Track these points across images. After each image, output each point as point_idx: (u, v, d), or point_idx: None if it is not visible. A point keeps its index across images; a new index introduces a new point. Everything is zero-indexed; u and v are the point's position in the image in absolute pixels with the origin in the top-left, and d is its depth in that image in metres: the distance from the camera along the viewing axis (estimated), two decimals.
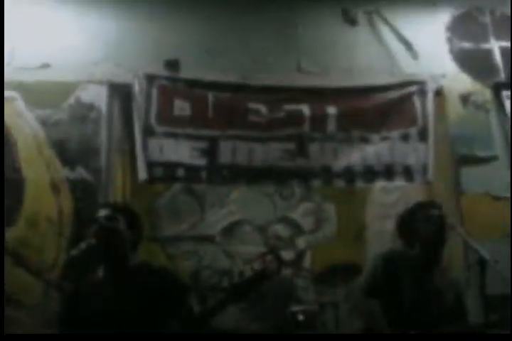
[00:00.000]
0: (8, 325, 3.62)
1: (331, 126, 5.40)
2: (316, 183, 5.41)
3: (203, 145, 5.22)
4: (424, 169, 5.43)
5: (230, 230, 5.53)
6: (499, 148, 5.65)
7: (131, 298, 3.06)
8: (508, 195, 5.57)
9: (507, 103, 5.66)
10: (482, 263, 3.43)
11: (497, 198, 5.55)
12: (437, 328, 3.39)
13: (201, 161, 5.20)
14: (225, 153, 5.25)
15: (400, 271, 3.55)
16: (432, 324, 3.42)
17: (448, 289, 3.63)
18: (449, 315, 3.54)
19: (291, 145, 5.34)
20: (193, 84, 5.28)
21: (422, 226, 3.60)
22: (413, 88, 5.60)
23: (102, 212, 3.20)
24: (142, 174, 5.04)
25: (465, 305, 3.75)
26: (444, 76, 5.66)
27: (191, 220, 5.49)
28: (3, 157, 3.27)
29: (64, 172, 4.94)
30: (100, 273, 3.20)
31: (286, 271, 5.70)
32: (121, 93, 5.21)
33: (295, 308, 5.45)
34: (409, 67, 5.70)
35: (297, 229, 5.68)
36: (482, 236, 5.18)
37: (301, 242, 5.70)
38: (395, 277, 3.53)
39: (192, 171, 5.19)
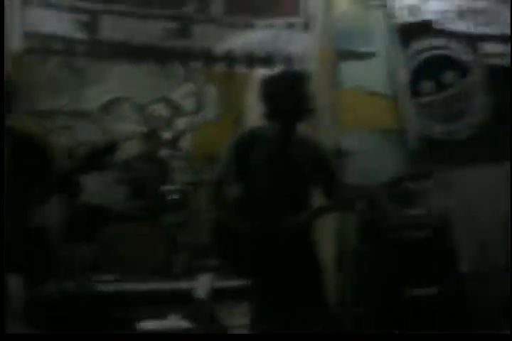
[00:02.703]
0: None
1: (217, 9, 5.33)
2: (197, 65, 5.40)
3: (83, 17, 5.05)
4: (305, 59, 5.49)
5: (109, 107, 5.50)
6: (379, 45, 5.78)
7: None
8: (383, 91, 5.81)
9: (392, 1, 5.74)
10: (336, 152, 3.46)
11: (372, 93, 5.76)
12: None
13: (81, 35, 5.05)
14: (106, 28, 5.11)
15: (256, 152, 3.30)
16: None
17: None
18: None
19: (173, 25, 5.25)
20: None
21: (283, 95, 3.30)
22: None
23: None
24: (18, 45, 4.86)
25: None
26: None
27: (69, 95, 5.42)
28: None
29: None
30: None
31: (164, 152, 5.80)
32: None
33: (167, 187, 5.60)
34: None
35: (177, 110, 5.72)
36: (351, 128, 5.48)
37: (180, 123, 5.75)
38: (251, 160, 3.31)
39: (71, 44, 5.04)
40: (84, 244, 4.85)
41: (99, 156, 3.12)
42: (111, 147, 3.15)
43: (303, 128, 3.48)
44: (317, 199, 3.50)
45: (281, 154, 3.34)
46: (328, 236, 4.93)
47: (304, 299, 3.29)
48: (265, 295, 3.30)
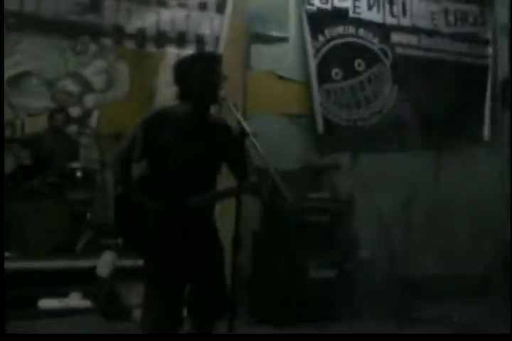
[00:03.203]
0: None
1: None
2: (107, 42, 5.33)
3: None
4: (217, 41, 5.51)
5: (16, 81, 5.37)
6: (293, 30, 5.85)
7: None
8: (295, 77, 5.88)
9: None
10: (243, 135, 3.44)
11: (282, 78, 5.83)
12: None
13: None
14: (12, 0, 4.98)
15: (164, 132, 3.28)
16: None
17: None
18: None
19: (84, 0, 5.17)
20: None
21: (196, 77, 3.25)
22: None
23: None
24: None
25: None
26: None
27: None
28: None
29: None
30: None
31: (72, 129, 5.71)
32: None
33: (74, 165, 5.53)
34: None
35: (87, 86, 5.62)
36: (260, 112, 5.54)
37: (89, 100, 5.66)
38: (159, 139, 3.26)
39: None
40: None
41: None
42: None
43: (213, 110, 3.49)
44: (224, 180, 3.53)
45: (191, 134, 3.35)
46: (228, 217, 4.97)
47: (203, 279, 3.31)
48: (162, 273, 3.30)
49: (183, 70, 3.37)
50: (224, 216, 4.51)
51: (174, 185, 3.30)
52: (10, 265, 4.52)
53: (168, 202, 3.27)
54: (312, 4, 5.89)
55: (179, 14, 5.42)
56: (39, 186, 5.35)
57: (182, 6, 5.42)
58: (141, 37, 5.33)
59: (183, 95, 3.36)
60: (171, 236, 3.28)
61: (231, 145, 3.37)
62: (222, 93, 3.33)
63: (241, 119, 3.18)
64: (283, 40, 5.80)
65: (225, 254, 3.39)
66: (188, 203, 3.28)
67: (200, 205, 3.34)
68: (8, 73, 5.30)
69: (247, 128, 3.18)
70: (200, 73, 3.29)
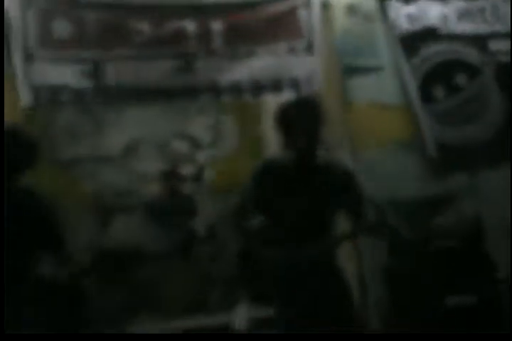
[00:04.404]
0: None
1: (217, 42, 5.38)
2: (206, 99, 5.45)
3: (87, 67, 5.14)
4: (311, 81, 5.51)
5: (129, 149, 5.57)
6: (384, 57, 5.77)
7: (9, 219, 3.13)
8: (395, 102, 5.78)
9: (391, 12, 5.73)
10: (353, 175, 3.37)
11: (384, 106, 5.74)
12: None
13: (87, 84, 5.15)
14: (111, 75, 5.19)
15: (276, 181, 3.36)
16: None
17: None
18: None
19: (177, 63, 5.32)
20: (72, 4, 5.15)
21: (298, 123, 3.32)
22: (299, 0, 5.58)
23: None
24: (26, 100, 4.98)
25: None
26: None
27: (89, 141, 5.51)
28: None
29: None
30: None
31: (187, 187, 5.85)
32: None
33: (195, 222, 5.65)
34: None
35: (195, 143, 5.76)
36: (368, 144, 5.47)
37: (199, 157, 5.79)
38: (270, 190, 3.36)
39: (78, 94, 5.14)
40: (117, 287, 4.90)
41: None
42: None
43: (323, 153, 3.48)
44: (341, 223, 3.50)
45: (301, 181, 3.37)
46: (352, 254, 4.91)
47: (332, 321, 3.28)
48: (294, 323, 3.30)
49: (282, 119, 3.44)
50: (348, 255, 4.47)
51: (293, 233, 3.31)
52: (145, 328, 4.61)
53: (290, 251, 3.28)
54: (401, 27, 5.79)
55: (270, 61, 5.47)
56: (164, 248, 5.49)
57: (271, 53, 5.46)
58: (236, 89, 5.41)
59: (287, 143, 3.39)
60: (296, 284, 3.28)
61: (343, 186, 3.36)
62: (325, 135, 3.32)
63: (348, 158, 3.19)
64: (378, 68, 5.72)
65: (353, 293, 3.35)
66: (308, 251, 3.28)
67: (321, 253, 3.33)
68: (120, 143, 5.52)
69: (356, 167, 3.18)
70: (300, 120, 3.34)
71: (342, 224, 3.62)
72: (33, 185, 3.55)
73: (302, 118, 3.36)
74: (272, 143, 5.49)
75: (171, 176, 5.69)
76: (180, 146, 5.77)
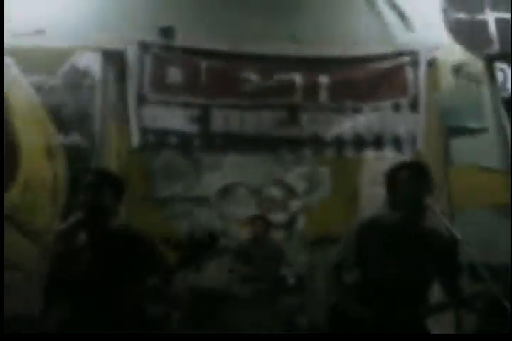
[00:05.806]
0: (7, 290, 3.71)
1: (323, 96, 5.45)
2: (307, 152, 5.49)
3: (195, 112, 5.28)
4: (414, 139, 5.49)
5: (225, 192, 5.64)
6: (489, 120, 5.69)
7: (106, 262, 3.18)
8: (497, 166, 5.66)
9: (499, 75, 5.67)
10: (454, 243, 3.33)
11: (486, 169, 5.63)
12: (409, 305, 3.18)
13: (193, 128, 5.28)
14: (217, 121, 5.32)
15: (377, 240, 3.28)
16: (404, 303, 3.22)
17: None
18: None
19: (282, 114, 5.40)
20: (187, 52, 5.32)
21: (403, 186, 3.25)
22: (406, 58, 5.62)
23: (86, 180, 3.23)
24: (135, 140, 5.13)
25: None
26: (437, 47, 5.66)
27: (186, 182, 5.60)
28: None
29: (59, 138, 5.00)
30: (82, 237, 3.26)
31: (279, 234, 5.85)
32: (115, 60, 5.25)
33: (285, 271, 5.61)
34: (403, 37, 5.70)
35: (290, 192, 5.78)
36: (466, 207, 5.36)
37: (293, 205, 5.80)
38: (370, 248, 3.29)
39: (184, 138, 5.27)
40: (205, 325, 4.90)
41: (199, 248, 3.20)
42: (209, 239, 3.23)
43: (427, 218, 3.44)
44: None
45: (402, 243, 3.33)
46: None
47: None
48: None
49: (392, 178, 3.39)
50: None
51: (387, 294, 3.26)
52: None
53: (383, 311, 3.23)
54: (507, 90, 5.72)
55: (374, 117, 5.49)
56: (250, 293, 5.47)
57: (376, 109, 5.49)
58: (339, 143, 5.44)
59: (393, 203, 3.37)
60: None
61: (443, 254, 3.31)
62: (430, 200, 3.28)
63: (449, 226, 3.12)
64: (482, 130, 5.65)
65: None
66: (401, 315, 3.22)
67: (414, 318, 3.27)
68: (217, 185, 5.59)
69: (458, 235, 3.11)
70: (410, 182, 3.29)
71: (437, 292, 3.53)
72: (127, 224, 3.56)
73: (410, 179, 3.32)
74: (366, 199, 5.50)
75: (259, 221, 5.71)
76: (275, 193, 5.79)
